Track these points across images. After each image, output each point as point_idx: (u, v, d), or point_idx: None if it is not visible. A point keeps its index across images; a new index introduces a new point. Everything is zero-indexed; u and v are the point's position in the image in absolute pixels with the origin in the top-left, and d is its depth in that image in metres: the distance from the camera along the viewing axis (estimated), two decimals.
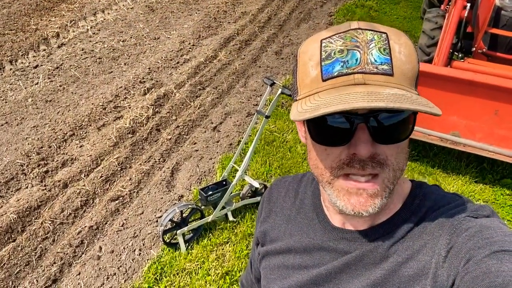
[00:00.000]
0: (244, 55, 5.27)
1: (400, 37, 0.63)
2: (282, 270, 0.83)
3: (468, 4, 3.96)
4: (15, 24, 5.51)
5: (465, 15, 3.91)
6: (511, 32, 3.64)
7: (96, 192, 3.21)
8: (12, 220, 2.86)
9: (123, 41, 5.37)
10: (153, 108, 4.12)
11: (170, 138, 3.81)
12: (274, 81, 2.65)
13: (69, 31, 5.51)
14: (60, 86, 4.44)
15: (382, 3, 7.16)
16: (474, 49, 3.89)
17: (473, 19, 3.99)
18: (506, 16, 3.62)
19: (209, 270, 2.66)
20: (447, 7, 5.06)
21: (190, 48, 5.30)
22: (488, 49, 3.84)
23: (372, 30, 0.62)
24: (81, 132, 3.79)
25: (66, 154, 3.53)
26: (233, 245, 2.83)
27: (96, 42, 5.30)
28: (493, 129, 3.10)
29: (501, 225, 0.65)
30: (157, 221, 3.01)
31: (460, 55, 3.97)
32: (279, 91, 2.53)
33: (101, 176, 3.32)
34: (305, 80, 0.64)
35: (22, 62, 4.79)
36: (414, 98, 0.58)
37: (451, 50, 3.74)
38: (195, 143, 3.81)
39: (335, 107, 0.56)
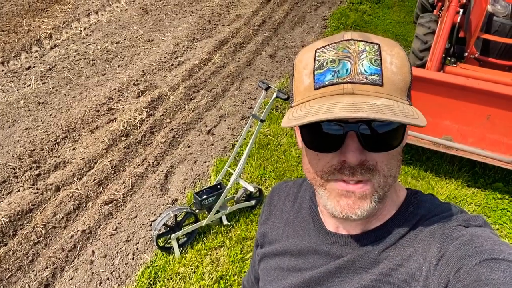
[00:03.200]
0: (239, 58, 5.27)
1: (393, 48, 0.64)
2: (278, 272, 0.85)
3: (461, 10, 4.00)
4: (7, 25, 5.45)
5: (458, 20, 3.96)
6: (503, 37, 3.68)
7: (89, 196, 3.18)
8: (4, 224, 2.82)
9: (116, 43, 5.34)
10: (147, 111, 4.10)
11: (164, 141, 3.80)
12: (269, 85, 2.66)
13: (62, 32, 5.46)
14: (53, 88, 4.40)
15: (376, 8, 7.22)
16: (466, 54, 3.93)
17: (466, 24, 4.04)
18: (498, 22, 3.66)
19: (203, 275, 2.64)
20: (440, 12, 5.12)
21: (184, 50, 5.29)
22: (480, 54, 3.88)
23: (364, 41, 0.63)
24: (74, 135, 3.76)
25: (59, 157, 3.50)
26: (228, 249, 2.82)
27: (90, 44, 5.26)
28: (485, 134, 3.13)
29: (491, 235, 0.66)
30: (150, 225, 2.99)
31: (452, 60, 4.01)
32: (274, 95, 2.53)
33: (94, 179, 3.29)
34: (299, 87, 0.66)
35: (14, 64, 4.74)
36: (400, 108, 0.59)
37: (443, 55, 3.78)
38: (189, 146, 3.79)
39: (319, 116, 0.58)
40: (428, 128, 3.19)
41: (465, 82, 2.96)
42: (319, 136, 0.65)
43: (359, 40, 0.63)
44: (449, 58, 4.03)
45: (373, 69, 0.61)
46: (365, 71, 0.61)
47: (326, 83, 0.62)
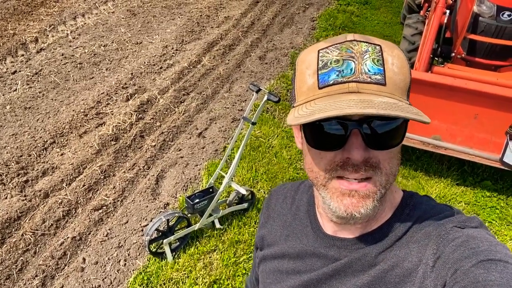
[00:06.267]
0: (228, 60, 5.26)
1: (393, 49, 0.66)
2: (277, 274, 0.86)
3: (447, 11, 4.06)
4: None
5: (445, 21, 4.01)
6: (489, 37, 3.74)
7: (79, 202, 3.13)
8: None
9: (104, 46, 5.28)
10: (136, 114, 4.07)
11: (155, 145, 3.76)
12: (260, 88, 2.66)
13: (48, 35, 5.38)
14: (40, 92, 4.33)
15: (363, 9, 7.28)
16: (453, 54, 3.99)
17: (452, 25, 4.09)
18: (484, 22, 3.71)
19: (197, 279, 2.63)
20: (427, 13, 5.18)
21: (173, 53, 5.26)
22: (467, 54, 3.93)
23: (366, 42, 0.65)
24: (62, 140, 3.71)
25: (47, 162, 3.44)
26: (221, 253, 2.80)
27: (77, 47, 5.20)
28: (473, 133, 3.18)
29: (487, 236, 0.67)
30: (142, 230, 2.96)
31: (440, 60, 4.06)
32: (265, 98, 2.53)
33: (84, 185, 3.24)
34: (302, 87, 0.67)
35: None
36: (405, 106, 0.61)
37: (431, 56, 3.82)
38: (180, 150, 3.77)
39: (329, 113, 0.59)
40: (417, 127, 3.23)
41: (452, 82, 3.00)
42: (322, 134, 0.65)
43: (362, 41, 0.65)
44: (437, 59, 4.08)
45: (376, 69, 0.62)
46: (369, 71, 0.62)
47: (331, 82, 0.62)
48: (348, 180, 0.66)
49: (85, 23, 5.80)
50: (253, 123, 2.60)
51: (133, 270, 2.70)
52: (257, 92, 2.65)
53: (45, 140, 3.65)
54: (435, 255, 0.66)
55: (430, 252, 0.67)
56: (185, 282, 2.61)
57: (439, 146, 3.25)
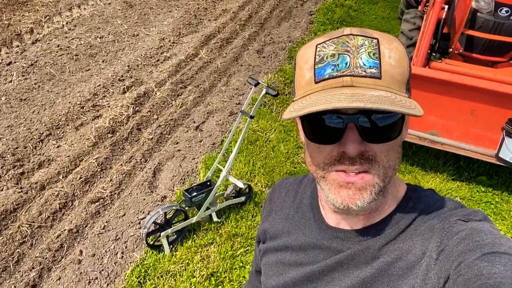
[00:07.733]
0: (226, 53, 5.23)
1: (391, 42, 0.66)
2: (279, 266, 0.86)
3: (446, 6, 4.06)
4: None
5: (443, 16, 4.01)
6: (486, 33, 3.75)
7: (76, 194, 3.12)
8: None
9: (100, 38, 5.23)
10: (133, 107, 4.04)
11: (152, 138, 3.75)
12: (258, 81, 2.65)
13: (43, 26, 5.32)
14: (35, 84, 4.29)
15: (361, 3, 7.26)
16: (451, 50, 4.00)
17: (450, 20, 4.10)
18: (482, 18, 3.72)
19: (194, 272, 2.63)
20: (425, 8, 5.18)
21: (170, 45, 5.22)
22: (464, 50, 3.95)
23: (363, 36, 0.65)
24: (58, 132, 3.68)
25: (43, 154, 3.42)
26: (218, 246, 2.81)
27: (72, 39, 5.14)
28: (469, 128, 3.20)
29: (491, 229, 0.67)
30: (139, 223, 2.96)
31: (437, 56, 4.07)
32: (263, 91, 2.52)
33: (80, 178, 3.23)
34: (301, 82, 0.68)
35: None
36: (398, 100, 0.61)
37: (428, 51, 3.83)
38: (177, 143, 3.76)
39: (318, 107, 0.60)
40: (414, 123, 3.24)
41: (450, 78, 3.01)
42: (319, 128, 0.66)
43: (358, 35, 0.65)
44: (434, 54, 4.08)
45: (372, 63, 0.62)
46: (364, 65, 0.62)
47: (326, 76, 0.63)
48: (346, 172, 0.67)
49: (81, 14, 5.73)
50: (251, 117, 2.60)
51: (130, 262, 2.70)
52: (255, 85, 2.65)
53: (41, 132, 3.63)
54: (438, 248, 0.66)
55: (433, 245, 0.67)
56: (182, 274, 2.62)
57: (435, 141, 3.27)
